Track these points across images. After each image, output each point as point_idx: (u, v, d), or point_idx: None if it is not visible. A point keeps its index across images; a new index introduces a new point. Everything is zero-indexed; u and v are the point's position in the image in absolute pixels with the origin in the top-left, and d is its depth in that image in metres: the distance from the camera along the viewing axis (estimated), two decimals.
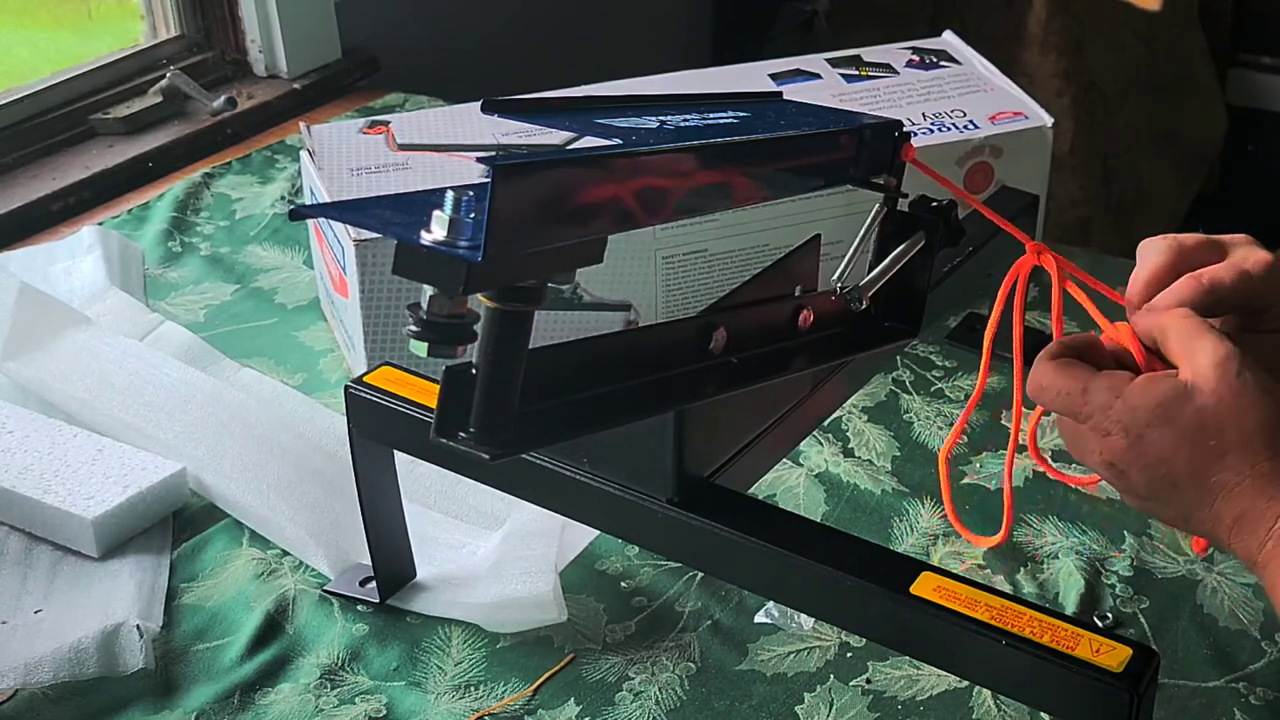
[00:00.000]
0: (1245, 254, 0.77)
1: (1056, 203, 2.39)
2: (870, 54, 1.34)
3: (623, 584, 0.97)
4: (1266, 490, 0.67)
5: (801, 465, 1.07)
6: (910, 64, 1.32)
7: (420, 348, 0.62)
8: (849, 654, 0.90)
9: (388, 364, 0.89)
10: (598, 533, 0.98)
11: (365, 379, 0.87)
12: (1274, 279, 0.76)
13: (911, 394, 1.15)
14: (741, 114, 0.83)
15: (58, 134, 1.57)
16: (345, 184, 1.13)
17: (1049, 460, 1.02)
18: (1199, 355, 0.69)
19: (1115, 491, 1.02)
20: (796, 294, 0.83)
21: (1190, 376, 0.69)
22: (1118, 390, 0.70)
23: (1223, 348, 0.69)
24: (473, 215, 0.59)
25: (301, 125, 1.22)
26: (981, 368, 0.85)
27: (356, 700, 0.88)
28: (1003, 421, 1.12)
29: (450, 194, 0.59)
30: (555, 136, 1.15)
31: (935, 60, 1.33)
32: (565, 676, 0.90)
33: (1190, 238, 0.78)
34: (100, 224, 1.41)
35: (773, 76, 1.30)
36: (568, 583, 0.95)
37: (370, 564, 0.94)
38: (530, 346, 0.64)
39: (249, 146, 1.60)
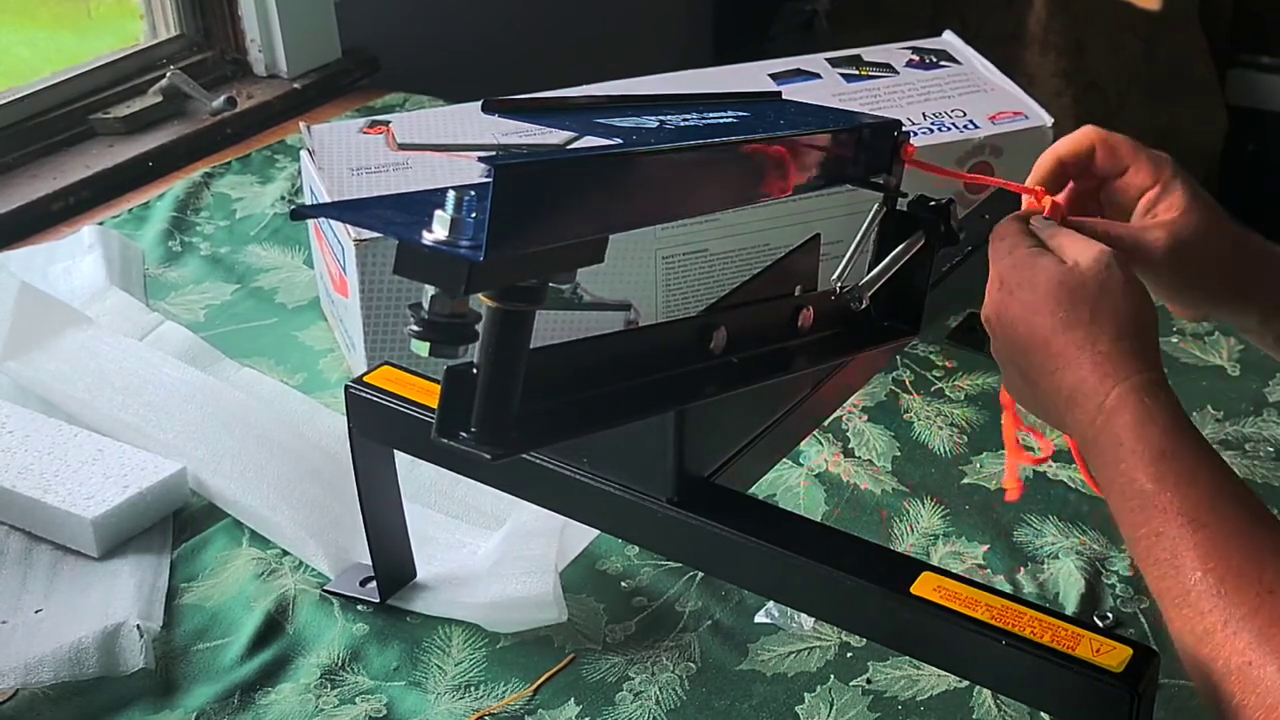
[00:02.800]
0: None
1: None
2: (870, 54, 1.34)
3: (623, 584, 0.97)
4: (1102, 367, 0.70)
5: (801, 465, 1.07)
6: (910, 64, 1.32)
7: (422, 347, 0.62)
8: (849, 654, 0.90)
9: (388, 364, 0.89)
10: (598, 533, 0.98)
11: (365, 379, 0.87)
12: (1159, 160, 0.82)
13: (911, 394, 1.15)
14: (741, 114, 0.83)
15: (58, 134, 1.57)
16: (345, 184, 1.13)
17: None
18: (1083, 246, 0.75)
19: None
20: (796, 294, 0.83)
21: (1071, 259, 0.74)
22: (1006, 254, 0.76)
23: (1100, 246, 0.74)
24: (474, 215, 0.59)
25: (301, 125, 1.22)
26: None
27: (357, 700, 0.88)
28: (1002, 422, 1.11)
29: (451, 194, 0.59)
30: (555, 136, 1.15)
31: (935, 60, 1.33)
32: (565, 676, 0.90)
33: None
34: (100, 224, 1.41)
35: (773, 76, 1.30)
36: (568, 583, 0.95)
37: (370, 564, 0.94)
38: (531, 346, 0.64)
39: (249, 146, 1.60)
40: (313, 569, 0.98)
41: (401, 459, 0.91)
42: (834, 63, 1.33)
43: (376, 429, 0.88)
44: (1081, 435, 0.72)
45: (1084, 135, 0.83)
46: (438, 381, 0.65)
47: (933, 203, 0.83)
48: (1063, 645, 0.67)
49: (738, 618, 0.93)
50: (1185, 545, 0.65)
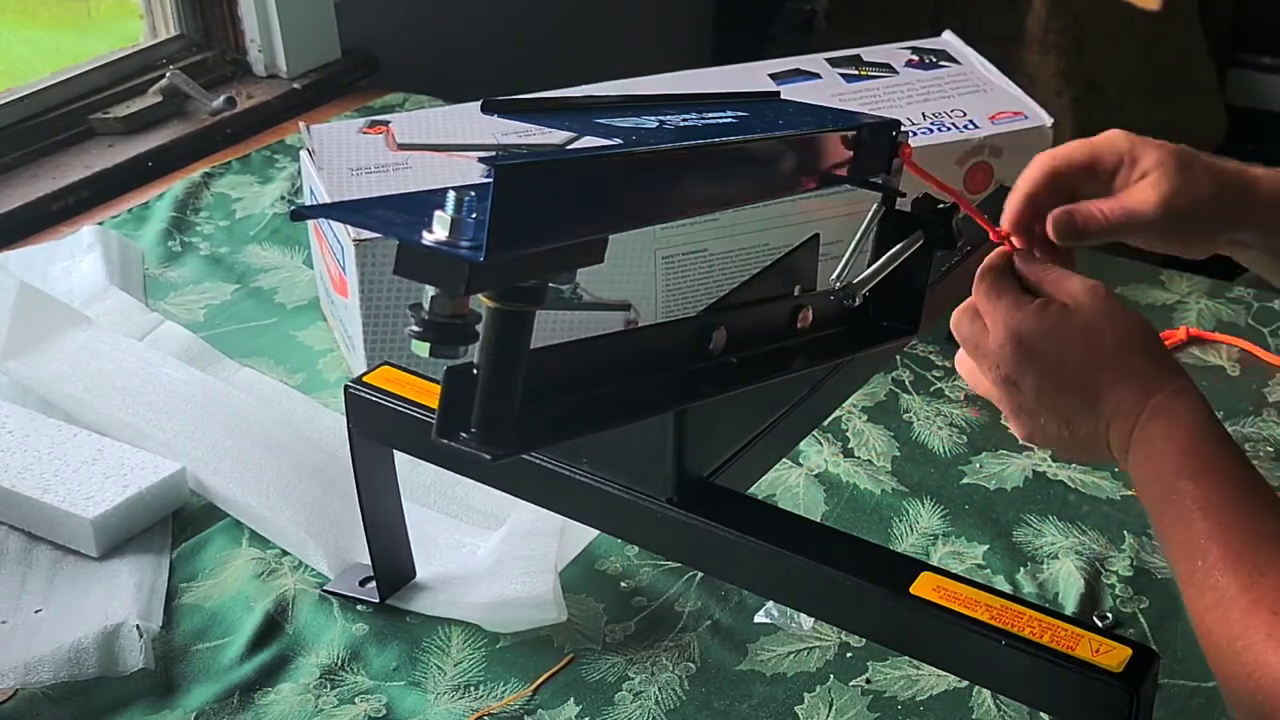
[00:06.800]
0: None
1: None
2: (870, 54, 1.34)
3: (622, 584, 0.97)
4: (1139, 381, 0.75)
5: (801, 465, 1.07)
6: (910, 64, 1.32)
7: (422, 348, 0.62)
8: (849, 654, 0.90)
9: (387, 364, 0.89)
10: (597, 533, 0.98)
11: (365, 379, 0.87)
12: (1111, 140, 0.84)
13: (911, 394, 1.15)
14: (740, 114, 0.83)
15: (57, 134, 1.57)
16: (345, 184, 1.13)
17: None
18: (1073, 284, 0.77)
19: (1115, 492, 1.03)
20: (796, 294, 0.83)
21: (1069, 299, 0.77)
22: (1013, 310, 0.77)
23: (1090, 280, 0.77)
24: (474, 215, 0.59)
25: (301, 125, 1.22)
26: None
27: (356, 700, 0.88)
28: (1003, 421, 1.12)
29: (452, 194, 0.59)
30: (555, 136, 1.15)
31: (935, 60, 1.33)
32: (565, 676, 0.90)
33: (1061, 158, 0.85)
34: (100, 224, 1.41)
35: (773, 76, 1.30)
36: (567, 582, 0.95)
37: (370, 564, 0.94)
38: (531, 347, 0.64)
39: (249, 146, 1.60)
40: (312, 569, 0.98)
41: (401, 459, 0.91)
42: (834, 63, 1.33)
43: (376, 429, 0.88)
44: (1121, 448, 0.75)
45: (1038, 170, 0.84)
46: (438, 382, 0.65)
47: (939, 205, 0.83)
48: (1062, 645, 0.67)
49: (737, 618, 0.93)
50: (1197, 530, 0.69)
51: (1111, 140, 0.84)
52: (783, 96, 0.93)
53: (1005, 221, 0.83)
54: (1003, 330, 0.77)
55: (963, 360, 0.82)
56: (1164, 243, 0.85)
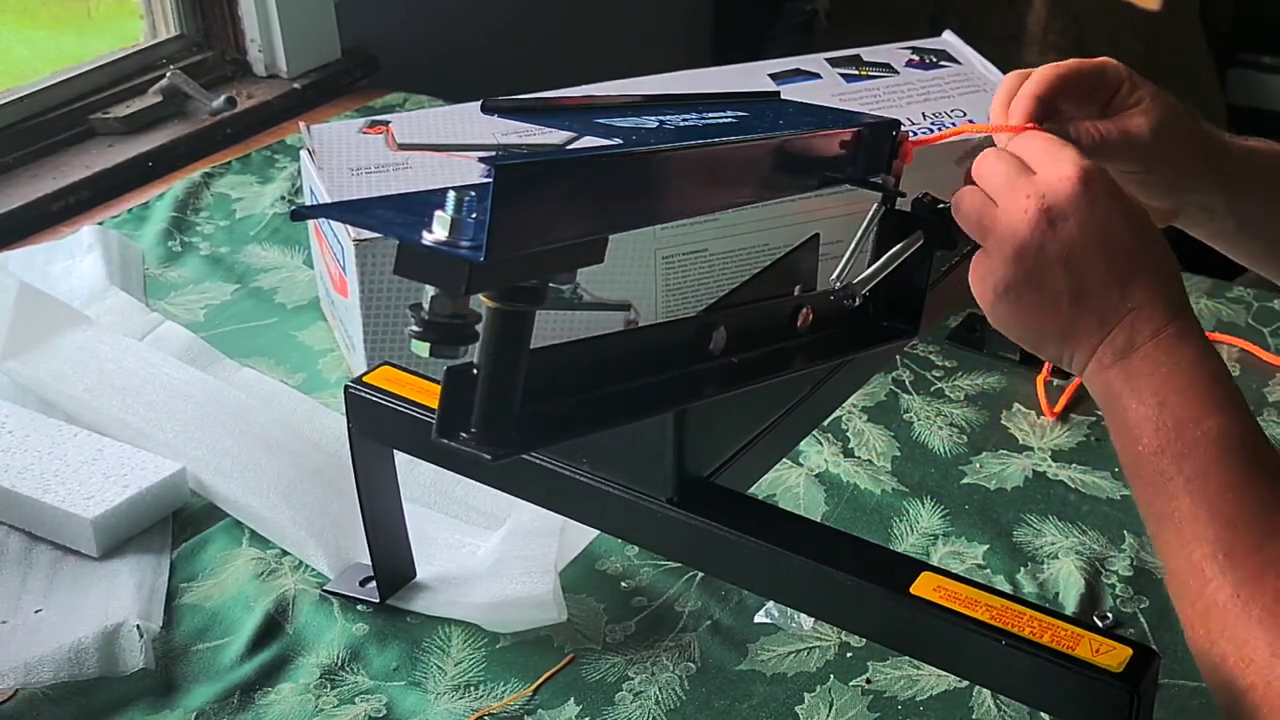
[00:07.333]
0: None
1: None
2: (870, 54, 1.34)
3: (623, 584, 0.97)
4: (1177, 297, 0.74)
5: (801, 465, 1.07)
6: (910, 64, 1.32)
7: (422, 348, 0.62)
8: (849, 654, 0.90)
9: (388, 364, 0.89)
10: (598, 533, 0.98)
11: (365, 379, 0.87)
12: (1113, 66, 0.85)
13: (911, 394, 1.15)
14: (741, 114, 0.83)
15: (58, 134, 1.57)
16: (345, 184, 1.13)
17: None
18: (1065, 155, 0.75)
19: (1115, 492, 1.03)
20: (796, 294, 0.83)
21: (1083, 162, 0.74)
22: (1083, 159, 0.74)
23: (1077, 158, 0.74)
24: (474, 215, 0.59)
25: (301, 125, 1.22)
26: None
27: (356, 700, 0.88)
28: (1003, 422, 1.12)
29: (452, 194, 0.59)
30: (555, 136, 1.15)
31: (935, 60, 1.33)
32: (565, 676, 0.90)
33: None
34: (100, 224, 1.41)
35: (773, 76, 1.30)
36: (567, 582, 0.95)
37: (370, 564, 0.94)
38: (531, 347, 0.64)
39: (249, 146, 1.60)
40: (312, 569, 0.98)
41: (401, 459, 0.91)
42: (834, 63, 1.33)
43: (376, 429, 0.88)
44: (1124, 345, 0.73)
45: (1047, 76, 0.83)
46: (438, 382, 0.65)
47: (940, 205, 0.83)
48: (1062, 645, 0.67)
49: (737, 618, 0.93)
50: (1212, 455, 0.69)
51: (1114, 63, 0.85)
52: (783, 96, 0.93)
53: (1021, 117, 0.81)
54: (1072, 165, 0.73)
55: (972, 194, 0.77)
56: (1143, 179, 0.84)
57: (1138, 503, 0.73)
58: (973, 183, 0.78)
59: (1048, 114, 0.81)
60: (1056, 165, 0.74)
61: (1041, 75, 0.82)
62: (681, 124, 0.77)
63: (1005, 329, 0.77)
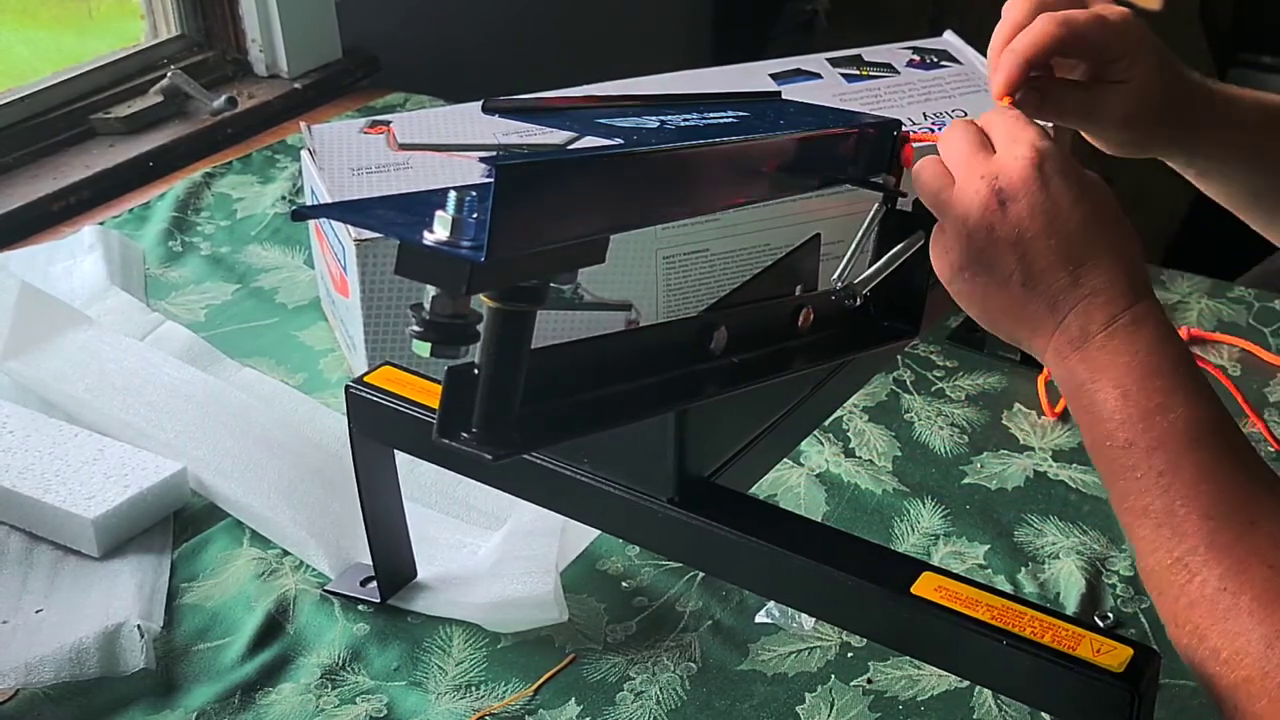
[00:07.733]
0: (1105, 5, 0.84)
1: None
2: (871, 54, 1.34)
3: (623, 584, 0.97)
4: (1137, 282, 0.72)
5: (802, 465, 1.07)
6: (911, 64, 1.32)
7: (423, 348, 0.62)
8: (850, 654, 0.91)
9: (388, 364, 0.89)
10: (598, 533, 0.98)
11: (366, 379, 0.87)
12: (1127, 31, 0.83)
13: (912, 394, 1.15)
14: (741, 114, 0.83)
15: (58, 134, 1.57)
16: (346, 184, 1.13)
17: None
18: (1027, 131, 0.74)
19: None
20: (797, 294, 0.83)
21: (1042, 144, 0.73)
22: (1044, 138, 0.74)
23: (1035, 133, 0.74)
24: (475, 215, 0.59)
25: (302, 125, 1.22)
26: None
27: (357, 700, 0.88)
28: (1004, 422, 1.12)
29: (453, 194, 0.59)
30: (555, 136, 1.15)
31: (936, 60, 1.33)
32: (566, 676, 0.90)
33: None
34: (101, 224, 1.41)
35: (773, 76, 1.30)
36: (568, 582, 0.95)
37: (371, 564, 0.94)
38: (532, 347, 0.64)
39: (249, 146, 1.60)
40: (313, 569, 0.98)
41: (402, 459, 0.91)
42: (834, 63, 1.33)
43: (377, 429, 0.88)
44: (1079, 333, 0.71)
45: (1043, 38, 0.82)
46: (438, 382, 0.65)
47: None
48: (1063, 645, 0.67)
49: (738, 618, 0.93)
50: (1179, 440, 0.68)
51: (1122, 33, 0.83)
52: (784, 96, 0.93)
53: (1001, 85, 0.82)
54: (1028, 147, 0.72)
55: (933, 165, 0.76)
56: (1111, 119, 0.86)
57: (1111, 498, 0.71)
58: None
59: (1030, 78, 0.82)
60: (1014, 146, 0.73)
61: (1040, 38, 0.82)
62: (682, 124, 0.77)
63: (965, 308, 0.77)
